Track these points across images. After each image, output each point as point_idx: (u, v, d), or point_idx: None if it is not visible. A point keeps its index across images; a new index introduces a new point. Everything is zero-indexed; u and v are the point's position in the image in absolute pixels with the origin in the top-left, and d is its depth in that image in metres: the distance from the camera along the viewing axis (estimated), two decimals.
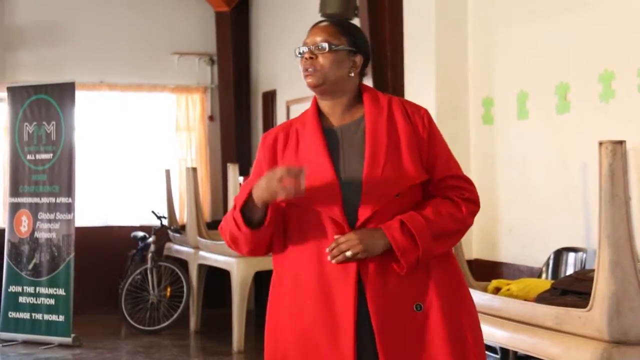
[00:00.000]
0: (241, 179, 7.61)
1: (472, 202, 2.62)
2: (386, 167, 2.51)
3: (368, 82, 6.63)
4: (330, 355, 2.48)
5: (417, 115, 2.61)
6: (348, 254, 2.45)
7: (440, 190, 2.60)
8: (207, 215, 9.59)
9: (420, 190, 2.61)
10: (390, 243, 2.47)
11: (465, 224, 2.61)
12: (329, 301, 2.49)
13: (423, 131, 2.59)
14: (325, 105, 2.65)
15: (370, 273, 2.49)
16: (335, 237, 2.48)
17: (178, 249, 8.63)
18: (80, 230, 8.02)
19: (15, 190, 7.92)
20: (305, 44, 2.62)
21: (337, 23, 2.67)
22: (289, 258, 2.59)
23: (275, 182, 2.42)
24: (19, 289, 7.72)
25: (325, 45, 2.58)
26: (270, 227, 2.55)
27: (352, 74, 2.62)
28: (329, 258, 2.47)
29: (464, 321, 2.55)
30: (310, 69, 2.59)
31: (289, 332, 2.57)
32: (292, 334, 2.56)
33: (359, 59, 2.64)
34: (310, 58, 2.59)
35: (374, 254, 2.47)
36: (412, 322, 2.50)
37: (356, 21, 6.89)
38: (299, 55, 2.63)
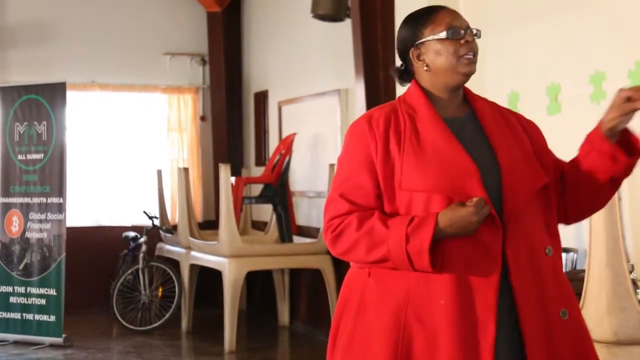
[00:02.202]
0: (233, 179, 7.60)
1: None
2: (520, 160, 2.39)
3: (360, 83, 6.66)
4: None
5: (526, 121, 2.53)
6: None
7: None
8: (198, 216, 9.58)
9: (550, 191, 2.45)
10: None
11: None
12: (466, 304, 2.28)
13: (538, 133, 2.53)
14: (444, 96, 2.44)
15: (522, 270, 2.30)
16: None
17: (170, 249, 8.63)
18: (72, 231, 8.01)
19: (6, 191, 7.90)
20: (462, 25, 2.39)
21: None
22: None
23: (473, 224, 2.26)
24: (10, 289, 7.70)
25: (478, 31, 2.42)
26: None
27: None
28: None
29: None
30: (472, 55, 2.39)
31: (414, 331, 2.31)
32: (418, 333, 2.31)
33: None
34: (468, 42, 2.39)
35: None
36: (561, 330, 2.33)
37: (347, 22, 6.90)
38: (453, 37, 2.38)
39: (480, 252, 2.30)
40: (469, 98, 2.48)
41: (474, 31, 2.41)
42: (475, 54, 2.39)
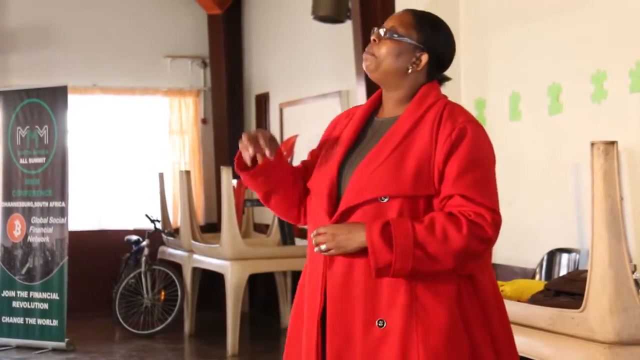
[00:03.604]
0: (235, 181, 7.60)
1: (477, 226, 2.29)
2: (380, 168, 2.36)
3: (361, 85, 6.65)
4: (302, 346, 2.50)
5: (449, 124, 2.36)
6: (323, 247, 2.38)
7: (445, 207, 2.35)
8: (200, 219, 9.57)
9: (424, 206, 2.37)
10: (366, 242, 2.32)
11: (464, 247, 2.28)
12: (311, 293, 2.50)
13: (444, 142, 2.34)
14: (383, 94, 2.56)
15: (335, 277, 2.41)
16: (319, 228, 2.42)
17: (172, 252, 8.62)
18: (74, 234, 8.00)
19: (8, 195, 7.90)
20: (381, 26, 2.52)
21: (417, 15, 2.50)
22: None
23: (242, 146, 2.43)
24: (13, 293, 7.70)
25: (389, 33, 2.45)
26: (261, 176, 2.53)
27: (411, 71, 2.45)
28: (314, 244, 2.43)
29: (427, 350, 2.30)
30: (369, 50, 2.49)
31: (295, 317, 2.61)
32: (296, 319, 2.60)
33: (424, 58, 2.45)
34: (374, 41, 2.48)
35: (347, 251, 2.35)
36: (368, 338, 2.34)
37: (348, 24, 6.89)
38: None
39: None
40: (413, 101, 2.47)
41: (384, 32, 2.47)
42: (372, 53, 2.48)
